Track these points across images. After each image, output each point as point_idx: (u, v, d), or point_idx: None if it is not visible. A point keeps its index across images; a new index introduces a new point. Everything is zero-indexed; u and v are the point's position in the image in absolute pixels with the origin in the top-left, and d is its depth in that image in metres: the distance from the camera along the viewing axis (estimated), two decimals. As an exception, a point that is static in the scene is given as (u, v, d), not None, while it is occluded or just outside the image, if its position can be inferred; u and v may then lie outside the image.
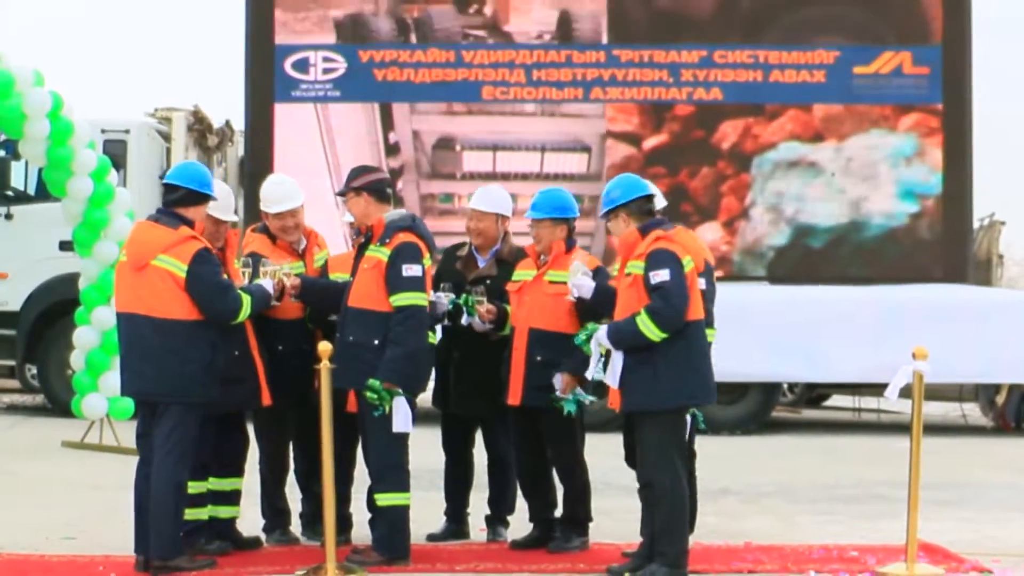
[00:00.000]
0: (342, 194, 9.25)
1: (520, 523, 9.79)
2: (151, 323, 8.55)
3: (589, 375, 8.70)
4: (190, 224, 8.64)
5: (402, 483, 8.99)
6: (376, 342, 8.84)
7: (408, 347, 8.82)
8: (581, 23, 18.48)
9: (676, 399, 8.51)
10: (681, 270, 8.41)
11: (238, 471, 9.42)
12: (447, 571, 8.84)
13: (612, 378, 8.52)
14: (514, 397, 9.41)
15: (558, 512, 9.62)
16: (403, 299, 8.86)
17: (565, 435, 9.43)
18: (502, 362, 9.47)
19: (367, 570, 8.73)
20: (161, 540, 8.53)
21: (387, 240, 8.94)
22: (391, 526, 8.96)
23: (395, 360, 8.79)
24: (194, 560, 8.66)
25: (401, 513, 8.97)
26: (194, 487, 9.16)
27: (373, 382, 8.73)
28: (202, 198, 8.76)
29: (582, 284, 8.98)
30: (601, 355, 8.63)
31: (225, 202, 9.35)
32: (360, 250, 9.10)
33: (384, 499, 8.95)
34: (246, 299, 8.64)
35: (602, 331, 8.52)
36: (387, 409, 8.76)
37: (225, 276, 8.72)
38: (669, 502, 8.53)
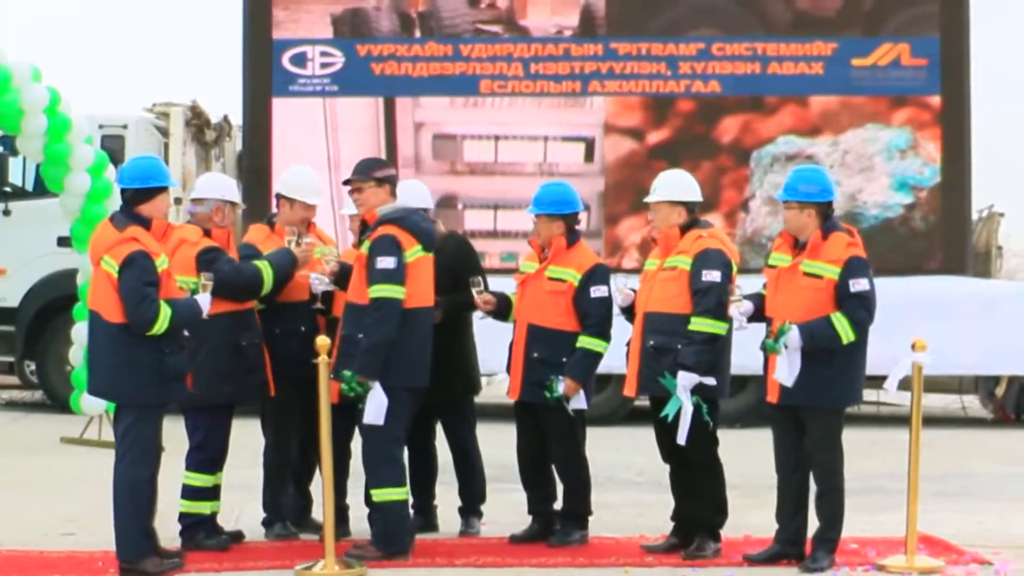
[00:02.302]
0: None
1: (519, 516, 9.78)
2: (101, 324, 8.51)
3: (781, 378, 8.69)
4: (145, 222, 8.53)
5: (396, 478, 8.99)
6: (360, 335, 8.87)
7: (374, 338, 8.82)
8: (599, 15, 18.44)
9: (848, 398, 8.93)
10: (872, 278, 8.74)
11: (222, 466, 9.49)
12: (447, 566, 8.84)
13: (789, 377, 8.62)
14: (513, 392, 9.48)
15: (557, 505, 9.62)
16: (375, 291, 8.89)
17: (564, 430, 9.43)
18: (450, 350, 9.57)
19: (366, 565, 8.72)
20: (124, 541, 8.49)
21: (369, 234, 8.99)
22: (387, 521, 8.95)
23: (364, 352, 8.81)
24: (160, 563, 8.57)
25: (397, 508, 8.98)
26: (203, 480, 9.20)
27: (346, 373, 8.76)
28: (154, 192, 8.64)
29: (746, 310, 8.98)
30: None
31: (235, 187, 9.63)
32: (360, 245, 9.13)
33: (379, 494, 8.95)
34: (164, 312, 8.35)
35: (794, 333, 8.57)
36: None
37: (151, 285, 8.39)
38: (840, 492, 8.81)
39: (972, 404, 19.34)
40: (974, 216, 19.04)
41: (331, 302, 9.55)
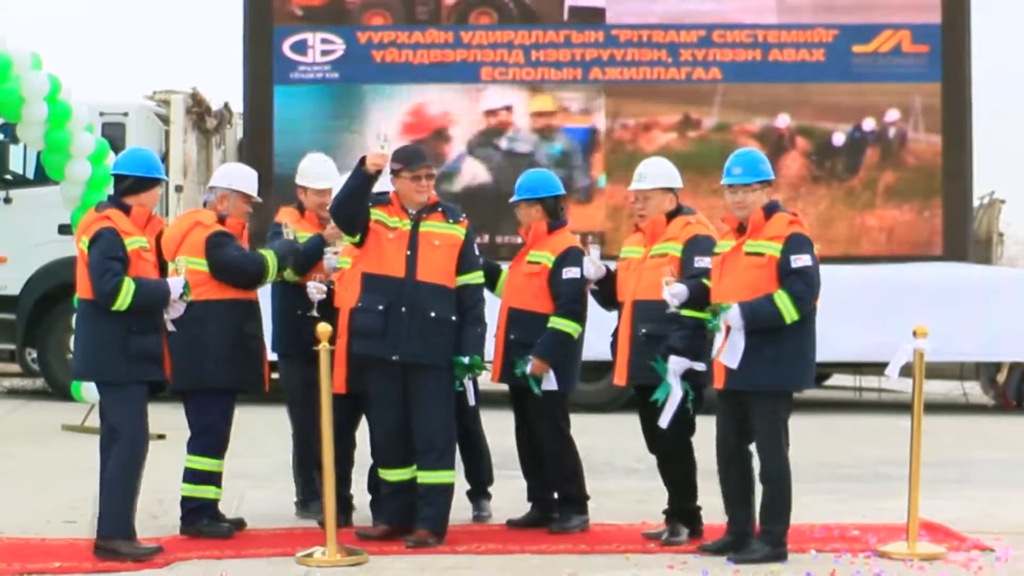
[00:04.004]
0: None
1: (522, 503, 9.78)
2: (79, 305, 8.64)
3: (725, 359, 8.56)
4: (126, 209, 8.59)
5: (455, 461, 9.13)
6: (454, 318, 8.94)
7: (486, 324, 9.06)
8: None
9: (794, 381, 8.70)
10: (815, 256, 8.60)
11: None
12: (448, 552, 8.83)
13: (732, 358, 8.50)
14: (495, 374, 9.58)
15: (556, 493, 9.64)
16: (479, 277, 9.10)
17: (544, 414, 9.46)
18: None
19: (368, 552, 8.72)
20: (105, 519, 8.52)
21: (460, 219, 9.06)
22: (448, 503, 9.06)
23: (483, 337, 9.01)
24: (135, 546, 8.55)
25: (453, 490, 9.11)
26: (208, 464, 9.23)
27: (477, 358, 8.90)
28: (152, 183, 8.72)
29: (678, 292, 8.76)
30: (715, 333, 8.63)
31: (251, 179, 9.60)
32: (415, 225, 9.01)
33: (447, 476, 9.01)
34: (127, 287, 8.41)
35: (734, 311, 8.45)
36: (464, 384, 8.96)
37: (116, 260, 8.46)
38: (778, 481, 8.63)
39: (973, 391, 19.36)
40: (975, 203, 19.04)
41: (329, 311, 9.56)
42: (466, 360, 8.89)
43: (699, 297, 8.76)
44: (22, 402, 17.74)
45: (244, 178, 9.61)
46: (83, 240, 8.56)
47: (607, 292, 9.36)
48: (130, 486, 8.56)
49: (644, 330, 9.01)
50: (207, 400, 9.27)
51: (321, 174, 10.10)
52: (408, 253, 8.94)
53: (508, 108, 18.42)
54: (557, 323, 9.36)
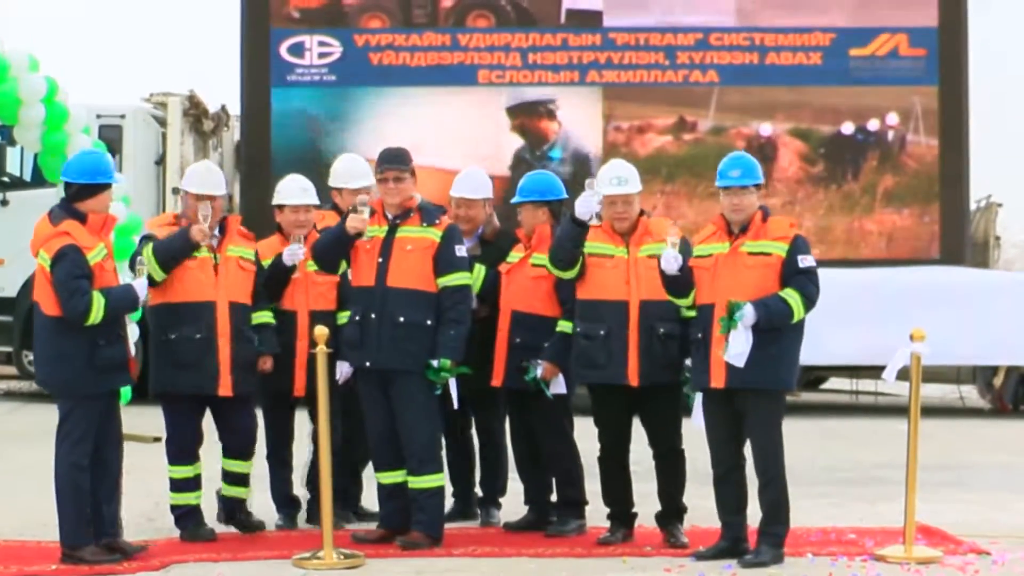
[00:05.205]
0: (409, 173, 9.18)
1: (521, 506, 9.77)
2: (40, 316, 8.55)
3: (733, 358, 8.48)
4: (81, 216, 8.50)
5: (442, 463, 9.13)
6: (429, 322, 8.90)
7: (467, 325, 9.01)
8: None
9: (791, 380, 8.80)
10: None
11: (247, 455, 9.47)
12: (444, 555, 8.83)
13: (740, 357, 8.47)
14: (496, 378, 9.50)
15: (554, 495, 9.61)
16: (459, 279, 9.01)
17: (550, 417, 9.43)
18: (488, 344, 9.49)
19: (365, 555, 8.72)
20: (63, 527, 8.50)
21: (436, 221, 9.02)
22: (440, 506, 9.06)
23: (460, 339, 8.94)
24: (97, 552, 8.51)
25: (444, 492, 9.11)
26: (179, 472, 9.20)
27: (445, 361, 8.85)
28: (99, 188, 8.62)
29: (669, 257, 8.65)
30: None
31: (204, 178, 9.37)
32: (392, 231, 9.02)
33: (434, 480, 9.00)
34: (97, 303, 8.35)
35: (749, 308, 8.44)
36: (443, 388, 8.94)
37: (84, 277, 8.36)
38: (779, 481, 8.66)
39: (970, 394, 19.37)
40: (972, 206, 19.06)
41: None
42: (435, 363, 8.88)
43: (687, 279, 8.74)
44: (19, 404, 17.73)
45: (188, 176, 9.53)
46: (43, 255, 8.44)
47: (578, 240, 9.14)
48: (83, 491, 8.50)
49: (663, 330, 8.93)
50: (164, 407, 9.30)
51: (357, 173, 10.00)
52: (380, 260, 8.97)
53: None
54: (566, 326, 9.32)
